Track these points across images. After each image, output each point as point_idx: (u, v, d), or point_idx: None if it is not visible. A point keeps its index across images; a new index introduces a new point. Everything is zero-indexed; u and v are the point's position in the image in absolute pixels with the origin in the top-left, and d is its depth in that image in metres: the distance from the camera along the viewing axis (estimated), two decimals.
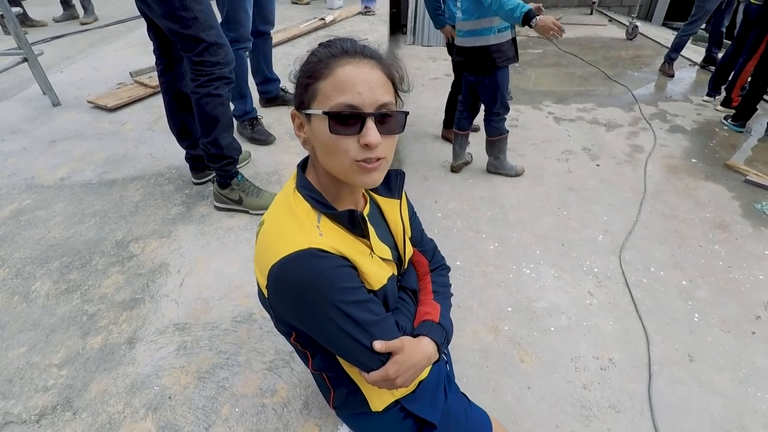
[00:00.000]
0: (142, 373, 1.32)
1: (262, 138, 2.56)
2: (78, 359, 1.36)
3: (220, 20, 1.84)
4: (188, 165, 2.17)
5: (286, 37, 4.34)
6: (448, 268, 1.08)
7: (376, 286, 0.80)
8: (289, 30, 4.56)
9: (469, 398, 1.13)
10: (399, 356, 0.78)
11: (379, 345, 0.76)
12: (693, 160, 3.42)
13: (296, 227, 0.74)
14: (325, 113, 0.69)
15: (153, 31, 1.80)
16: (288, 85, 3.15)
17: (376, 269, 0.81)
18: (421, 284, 1.00)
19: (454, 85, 3.51)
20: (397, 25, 6.68)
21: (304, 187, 0.79)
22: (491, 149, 3.11)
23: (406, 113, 0.75)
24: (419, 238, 1.06)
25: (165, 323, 1.48)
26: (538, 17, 2.24)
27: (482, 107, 3.05)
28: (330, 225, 0.77)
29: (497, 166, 3.16)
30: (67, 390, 1.27)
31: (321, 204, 0.77)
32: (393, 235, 0.93)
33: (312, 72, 0.72)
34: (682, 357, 1.90)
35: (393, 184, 0.92)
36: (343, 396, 0.94)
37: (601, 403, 1.70)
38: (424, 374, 0.97)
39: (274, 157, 2.43)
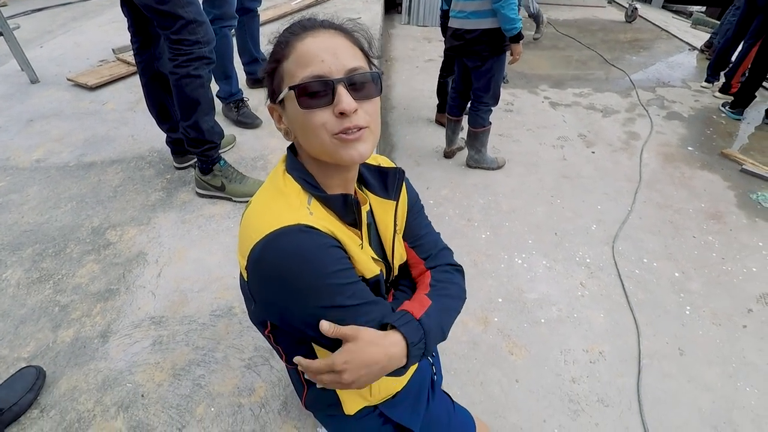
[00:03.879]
0: (115, 369, 1.27)
1: (248, 121, 2.46)
2: (48, 353, 1.30)
3: None
4: (170, 149, 2.08)
5: (276, 15, 4.20)
6: (455, 267, 0.89)
7: (368, 275, 0.73)
8: (279, 7, 4.40)
9: (454, 395, 1.08)
10: (351, 345, 0.66)
11: (327, 326, 0.65)
12: (689, 149, 3.36)
13: (284, 205, 0.67)
14: (291, 88, 0.64)
15: (126, 6, 1.70)
16: None
17: (367, 259, 0.74)
18: (417, 282, 0.88)
19: (443, 68, 3.40)
20: (392, 4, 6.49)
21: (294, 169, 0.72)
22: (473, 142, 2.98)
23: (380, 73, 0.70)
24: (419, 234, 0.91)
25: (140, 316, 1.42)
26: (520, 43, 2.48)
27: None
28: (321, 209, 0.70)
29: (478, 160, 3.04)
30: None
31: (312, 186, 0.71)
32: (381, 239, 0.84)
33: (275, 56, 0.68)
34: (673, 351, 1.88)
35: (390, 183, 0.83)
36: (315, 394, 0.88)
37: (590, 397, 1.68)
38: (404, 381, 0.91)
39: (260, 141, 2.34)
